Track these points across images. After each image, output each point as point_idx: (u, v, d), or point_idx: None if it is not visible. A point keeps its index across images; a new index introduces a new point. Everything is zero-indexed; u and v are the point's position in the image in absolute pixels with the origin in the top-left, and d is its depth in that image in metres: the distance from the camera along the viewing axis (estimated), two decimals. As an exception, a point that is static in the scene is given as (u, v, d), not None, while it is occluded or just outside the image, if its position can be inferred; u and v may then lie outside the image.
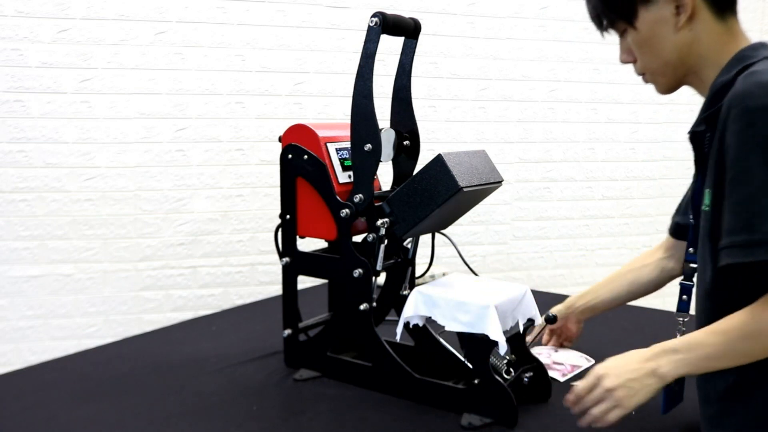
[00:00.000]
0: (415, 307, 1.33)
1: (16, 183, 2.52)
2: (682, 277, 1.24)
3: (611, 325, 1.88)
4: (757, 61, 1.02)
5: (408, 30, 1.45)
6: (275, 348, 1.65)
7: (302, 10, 2.72)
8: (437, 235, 1.56)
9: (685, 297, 1.22)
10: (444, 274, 1.85)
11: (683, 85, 1.16)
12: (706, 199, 1.05)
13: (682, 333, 1.24)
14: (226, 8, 2.64)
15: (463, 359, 1.40)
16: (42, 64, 2.48)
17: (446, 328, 1.31)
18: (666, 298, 1.62)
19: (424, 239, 1.56)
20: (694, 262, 1.18)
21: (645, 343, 1.07)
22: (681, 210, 1.44)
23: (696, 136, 1.09)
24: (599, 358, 1.62)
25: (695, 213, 1.14)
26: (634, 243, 3.32)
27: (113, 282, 2.65)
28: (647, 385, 0.98)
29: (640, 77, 1.18)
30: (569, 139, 3.17)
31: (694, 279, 1.20)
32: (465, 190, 1.27)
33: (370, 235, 1.39)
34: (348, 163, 1.47)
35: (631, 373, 0.99)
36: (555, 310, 1.55)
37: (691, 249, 1.21)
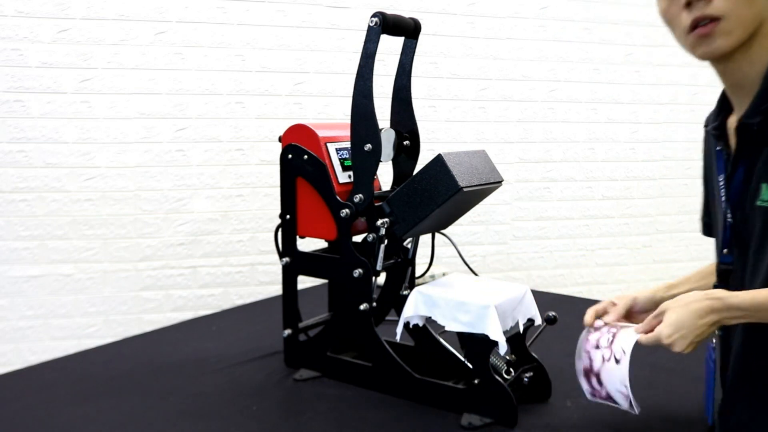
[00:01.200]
0: (415, 307, 1.33)
1: (16, 183, 2.52)
2: (715, 280, 1.14)
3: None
4: None
5: (408, 30, 1.45)
6: (275, 348, 1.65)
7: (302, 10, 2.72)
8: (437, 235, 1.56)
9: None
10: (444, 274, 1.85)
11: (730, 56, 1.00)
12: (765, 194, 0.98)
13: (716, 336, 1.14)
14: (226, 8, 2.64)
15: (463, 359, 1.40)
16: (42, 64, 2.48)
17: (446, 328, 1.31)
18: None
19: (424, 239, 1.56)
20: (726, 264, 1.11)
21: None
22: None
23: (745, 128, 1.01)
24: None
25: (738, 209, 1.04)
26: (634, 243, 3.33)
27: (113, 282, 2.65)
28: (711, 333, 1.02)
29: (698, 24, 0.97)
30: (569, 139, 3.17)
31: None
32: (465, 190, 1.27)
33: (370, 235, 1.39)
34: (348, 163, 1.47)
35: (696, 330, 1.00)
36: (642, 297, 1.30)
37: (725, 250, 1.12)
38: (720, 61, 1.01)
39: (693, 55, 1.01)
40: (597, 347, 1.17)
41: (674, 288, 1.31)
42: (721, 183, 1.07)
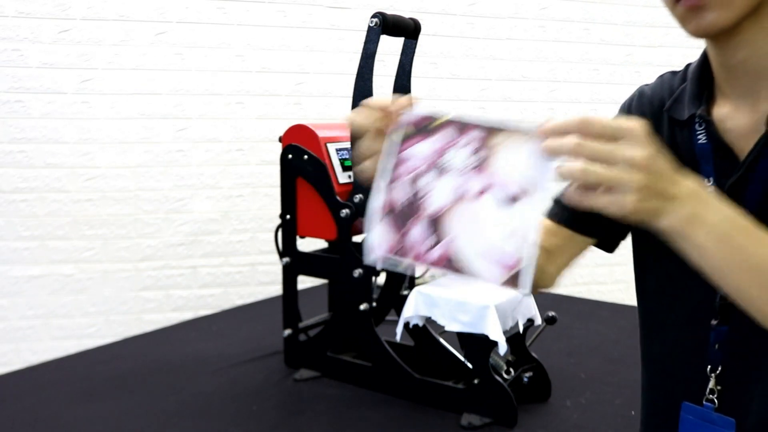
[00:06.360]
0: (415, 307, 1.33)
1: (17, 183, 2.52)
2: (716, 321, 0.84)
3: (609, 325, 1.89)
4: None
5: (408, 30, 1.45)
6: (275, 348, 1.65)
7: (302, 10, 2.73)
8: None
9: None
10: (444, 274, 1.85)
11: (732, 33, 0.75)
12: None
13: (720, 344, 0.83)
14: (226, 9, 2.64)
15: (463, 359, 1.40)
16: (42, 64, 2.48)
17: (446, 328, 1.31)
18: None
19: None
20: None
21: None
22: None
23: None
24: (597, 359, 1.62)
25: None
26: (634, 243, 3.32)
27: (113, 282, 2.65)
28: (672, 210, 0.60)
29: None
30: (569, 139, 3.17)
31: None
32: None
33: (370, 235, 1.39)
34: (348, 163, 1.48)
35: (670, 182, 0.60)
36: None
37: None
38: (719, 39, 0.78)
39: (685, 31, 0.77)
40: (433, 164, 0.61)
41: None
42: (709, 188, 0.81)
